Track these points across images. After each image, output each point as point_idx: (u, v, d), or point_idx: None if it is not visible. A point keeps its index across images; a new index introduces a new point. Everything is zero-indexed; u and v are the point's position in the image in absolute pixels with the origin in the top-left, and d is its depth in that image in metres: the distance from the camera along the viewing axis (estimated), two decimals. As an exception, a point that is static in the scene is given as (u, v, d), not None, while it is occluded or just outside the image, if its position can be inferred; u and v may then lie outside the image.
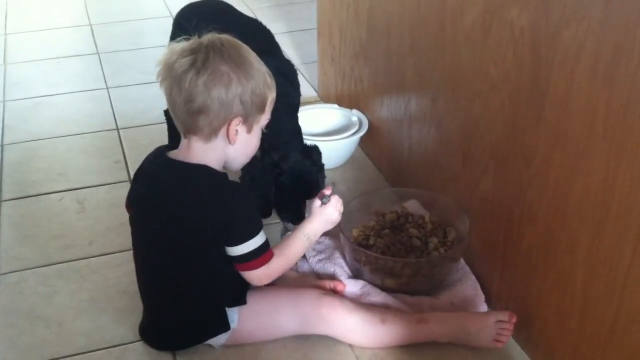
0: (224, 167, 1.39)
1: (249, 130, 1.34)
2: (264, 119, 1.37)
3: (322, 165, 1.77)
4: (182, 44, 1.31)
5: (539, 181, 1.27)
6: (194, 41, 1.31)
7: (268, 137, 1.46)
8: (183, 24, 1.96)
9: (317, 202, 1.47)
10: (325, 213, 1.46)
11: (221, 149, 1.34)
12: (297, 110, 1.85)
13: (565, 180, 1.19)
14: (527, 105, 1.26)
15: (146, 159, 1.43)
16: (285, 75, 1.78)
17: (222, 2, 2.05)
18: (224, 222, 1.32)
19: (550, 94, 1.19)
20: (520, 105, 1.28)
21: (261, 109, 1.34)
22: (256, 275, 1.38)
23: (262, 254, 1.35)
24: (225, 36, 1.33)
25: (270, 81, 1.35)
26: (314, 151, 1.75)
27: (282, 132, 1.71)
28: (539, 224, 1.29)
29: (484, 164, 1.44)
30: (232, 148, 1.34)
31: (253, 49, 1.36)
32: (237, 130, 1.32)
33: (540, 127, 1.23)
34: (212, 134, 1.31)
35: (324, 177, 1.77)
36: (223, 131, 1.31)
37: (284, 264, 1.42)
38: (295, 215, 1.72)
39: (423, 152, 1.75)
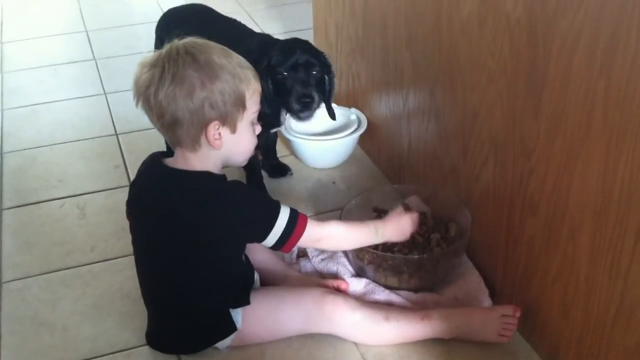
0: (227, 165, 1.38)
1: (233, 130, 1.31)
2: (250, 113, 1.32)
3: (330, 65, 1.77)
4: (145, 59, 1.29)
5: (540, 171, 1.26)
6: (153, 54, 1.29)
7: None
8: (158, 33, 1.97)
9: (399, 208, 1.49)
10: (402, 221, 1.45)
11: (212, 154, 1.32)
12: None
13: (566, 169, 1.19)
14: (525, 95, 1.26)
15: (142, 166, 1.42)
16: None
17: (200, 5, 2.04)
18: (238, 226, 1.31)
19: (548, 83, 1.19)
20: (518, 96, 1.28)
21: (240, 106, 1.29)
22: (309, 239, 1.36)
23: (295, 225, 1.33)
24: (183, 42, 1.29)
25: (244, 73, 1.29)
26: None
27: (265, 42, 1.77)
28: (541, 214, 1.28)
29: (484, 156, 1.44)
30: (222, 151, 1.32)
31: (227, 44, 1.32)
32: (219, 134, 1.29)
33: (539, 117, 1.23)
34: (195, 143, 1.30)
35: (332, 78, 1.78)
36: (203, 138, 1.29)
37: (344, 231, 1.41)
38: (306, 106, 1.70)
39: (422, 147, 1.75)
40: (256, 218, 1.32)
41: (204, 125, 1.27)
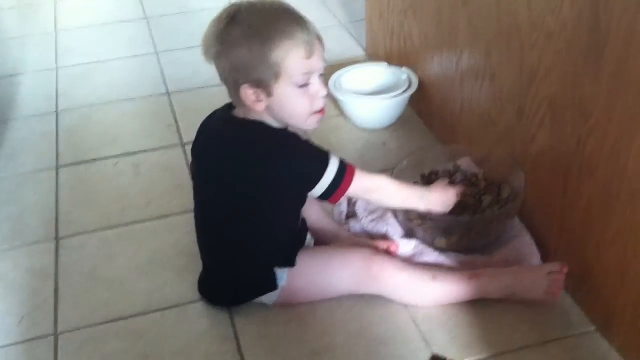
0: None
1: (269, 94, 1.28)
2: (291, 76, 1.26)
3: None
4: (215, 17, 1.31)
5: (598, 133, 1.24)
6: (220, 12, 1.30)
7: None
8: None
9: (445, 180, 1.51)
10: (447, 193, 1.46)
11: (263, 115, 1.32)
12: None
13: (626, 131, 1.16)
14: (586, 55, 1.22)
15: (212, 113, 1.43)
16: None
17: None
18: (287, 172, 1.30)
19: (610, 43, 1.16)
20: (578, 56, 1.25)
21: (270, 70, 1.25)
22: (358, 189, 1.34)
23: (344, 175, 1.32)
24: (237, 3, 1.28)
25: (280, 41, 1.24)
26: None
27: None
28: (599, 177, 1.26)
29: (541, 117, 1.41)
30: (271, 113, 1.31)
31: None
32: (255, 96, 1.28)
33: (599, 77, 1.20)
34: (240, 102, 1.31)
35: None
36: (244, 99, 1.29)
37: (393, 187, 1.41)
38: None
39: (476, 109, 1.72)
40: (305, 165, 1.32)
41: (237, 87, 1.29)
